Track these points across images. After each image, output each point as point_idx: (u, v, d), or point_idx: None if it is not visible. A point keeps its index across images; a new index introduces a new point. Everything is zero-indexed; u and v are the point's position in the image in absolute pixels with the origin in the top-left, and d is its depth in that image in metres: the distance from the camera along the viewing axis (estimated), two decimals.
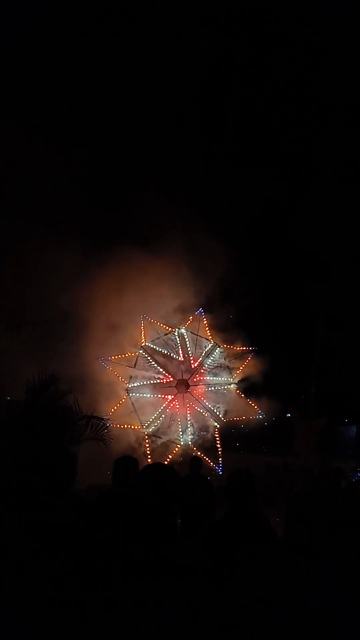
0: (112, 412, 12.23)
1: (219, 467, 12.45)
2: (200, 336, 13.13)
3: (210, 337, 13.22)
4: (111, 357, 12.99)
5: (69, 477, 4.10)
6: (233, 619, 2.80)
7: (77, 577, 2.74)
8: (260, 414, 13.18)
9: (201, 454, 12.15)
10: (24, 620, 2.74)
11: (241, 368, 13.31)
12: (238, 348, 13.51)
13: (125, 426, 12.64)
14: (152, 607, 2.43)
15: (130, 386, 12.82)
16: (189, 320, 13.27)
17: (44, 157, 12.75)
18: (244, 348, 13.49)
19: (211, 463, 12.40)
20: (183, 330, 13.14)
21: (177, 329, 13.13)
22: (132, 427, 12.77)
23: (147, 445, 12.55)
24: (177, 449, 12.60)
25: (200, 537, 3.65)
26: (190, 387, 12.89)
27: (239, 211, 17.48)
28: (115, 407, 12.64)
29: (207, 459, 12.13)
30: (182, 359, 13.01)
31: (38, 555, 2.95)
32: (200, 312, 13.20)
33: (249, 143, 18.20)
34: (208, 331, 13.24)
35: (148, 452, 12.44)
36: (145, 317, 13.01)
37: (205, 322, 13.21)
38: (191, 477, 7.62)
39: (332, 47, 17.14)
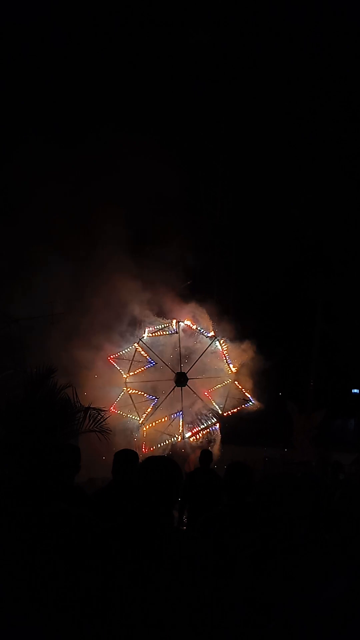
0: (113, 408, 12.29)
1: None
2: (198, 330, 13.16)
3: (209, 330, 13.25)
4: (118, 354, 13.02)
5: (69, 472, 4.13)
6: (231, 615, 2.81)
7: (75, 574, 2.71)
8: (253, 402, 13.21)
9: (200, 446, 12.20)
10: (22, 619, 2.71)
11: (239, 362, 13.33)
12: (237, 342, 13.54)
13: (125, 415, 12.71)
14: (150, 602, 2.44)
15: (128, 379, 12.87)
16: (188, 314, 13.30)
17: (43, 159, 12.75)
18: (242, 342, 13.51)
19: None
20: (182, 323, 13.17)
21: (176, 322, 13.14)
22: (131, 417, 12.84)
23: (145, 438, 12.61)
24: (175, 441, 12.67)
25: (197, 530, 3.65)
26: (189, 380, 12.93)
27: (236, 206, 17.47)
28: (116, 400, 12.72)
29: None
30: (181, 352, 13.03)
31: (35, 551, 2.95)
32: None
33: (249, 137, 18.16)
34: (208, 324, 13.26)
35: (145, 445, 12.51)
36: (145, 311, 13.04)
37: (205, 314, 13.24)
38: (200, 471, 7.65)
39: (332, 46, 17.12)
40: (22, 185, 12.93)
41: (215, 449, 12.49)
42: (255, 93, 17.54)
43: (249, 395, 13.13)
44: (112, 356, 13.08)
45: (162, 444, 12.65)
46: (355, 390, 22.73)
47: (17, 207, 12.64)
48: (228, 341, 13.43)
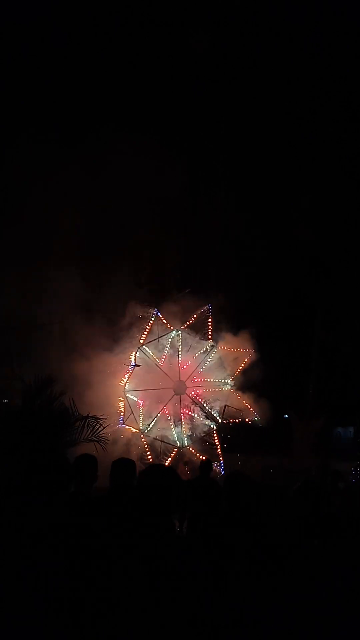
0: (119, 414, 12.22)
1: (220, 466, 12.42)
2: (198, 337, 13.09)
3: (209, 337, 13.17)
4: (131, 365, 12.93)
5: (87, 482, 4.08)
6: (229, 621, 2.80)
7: (75, 579, 2.74)
8: (255, 416, 13.14)
9: (199, 454, 12.14)
10: (21, 621, 2.72)
11: (239, 369, 13.24)
12: (237, 350, 13.44)
13: (124, 427, 12.64)
14: (149, 608, 2.45)
15: (128, 387, 12.78)
16: (193, 317, 13.18)
17: (43, 160, 12.70)
18: (243, 350, 13.41)
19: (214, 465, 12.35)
20: (181, 331, 13.07)
21: (175, 330, 13.05)
22: (130, 428, 12.74)
23: (146, 447, 12.50)
24: (174, 450, 12.59)
25: (198, 539, 3.66)
26: (188, 388, 12.85)
27: (236, 210, 17.44)
28: (120, 411, 12.61)
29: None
30: (180, 360, 12.95)
31: (35, 558, 2.93)
32: (208, 308, 13.11)
33: (246, 142, 18.13)
34: (210, 329, 13.16)
35: (148, 454, 12.40)
36: (153, 311, 12.93)
37: (210, 320, 13.13)
38: (200, 480, 7.57)
39: (332, 46, 17.10)
40: (22, 188, 12.88)
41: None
42: (255, 93, 17.52)
43: (251, 409, 13.05)
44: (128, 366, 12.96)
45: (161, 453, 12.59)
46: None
47: (16, 212, 12.57)
48: (228, 350, 13.30)
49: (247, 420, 13.12)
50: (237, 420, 13.20)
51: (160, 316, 12.97)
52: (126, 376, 12.88)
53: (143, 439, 12.56)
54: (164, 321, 13.02)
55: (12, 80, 14.28)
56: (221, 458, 12.67)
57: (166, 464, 11.53)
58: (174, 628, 2.45)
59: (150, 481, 2.83)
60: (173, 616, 2.45)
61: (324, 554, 3.32)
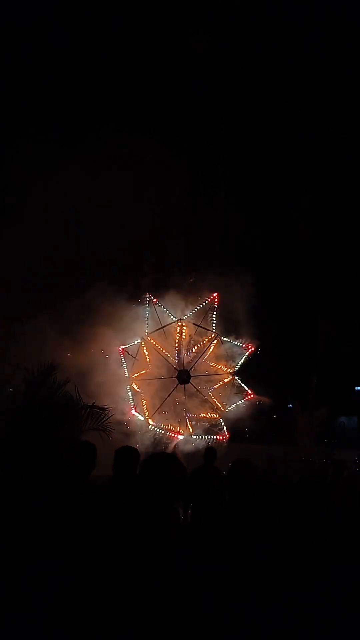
0: (133, 411, 12.21)
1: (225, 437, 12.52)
2: (202, 327, 13.09)
3: (212, 327, 13.17)
4: (120, 348, 12.96)
5: (85, 469, 4.08)
6: (229, 621, 2.78)
7: (75, 579, 2.73)
8: (259, 400, 13.16)
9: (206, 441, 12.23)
10: (24, 618, 2.72)
11: (243, 360, 13.27)
12: (242, 344, 13.44)
13: (128, 418, 12.68)
14: (149, 608, 2.44)
15: (132, 377, 12.79)
16: (198, 307, 13.17)
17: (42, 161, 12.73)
18: (247, 344, 13.42)
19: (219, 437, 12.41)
20: (185, 321, 13.09)
21: (179, 320, 13.07)
22: (134, 418, 12.79)
23: (150, 435, 12.57)
24: (178, 438, 12.62)
25: (202, 532, 3.65)
26: (191, 377, 12.86)
27: (236, 210, 17.47)
28: (128, 399, 12.66)
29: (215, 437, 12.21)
30: (184, 350, 12.97)
31: (35, 558, 2.92)
32: (214, 298, 13.08)
33: (246, 142, 18.13)
34: (214, 319, 13.15)
35: (151, 441, 12.46)
36: (150, 297, 12.94)
37: (215, 310, 13.11)
38: (204, 468, 7.54)
39: (332, 46, 17.09)
40: (22, 187, 12.93)
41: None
42: (254, 93, 17.51)
43: (249, 391, 13.06)
44: (121, 348, 12.97)
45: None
46: (358, 388, 22.74)
47: (18, 208, 12.62)
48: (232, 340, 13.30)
49: (249, 396, 13.10)
50: (242, 403, 13.22)
51: (155, 300, 12.97)
52: (122, 359, 12.85)
53: (148, 427, 12.60)
54: (161, 306, 13.02)
55: (12, 80, 14.31)
56: (227, 434, 12.69)
57: (168, 451, 11.60)
58: (174, 628, 2.44)
59: (151, 472, 2.81)
60: (173, 616, 2.44)
61: (324, 554, 3.31)
